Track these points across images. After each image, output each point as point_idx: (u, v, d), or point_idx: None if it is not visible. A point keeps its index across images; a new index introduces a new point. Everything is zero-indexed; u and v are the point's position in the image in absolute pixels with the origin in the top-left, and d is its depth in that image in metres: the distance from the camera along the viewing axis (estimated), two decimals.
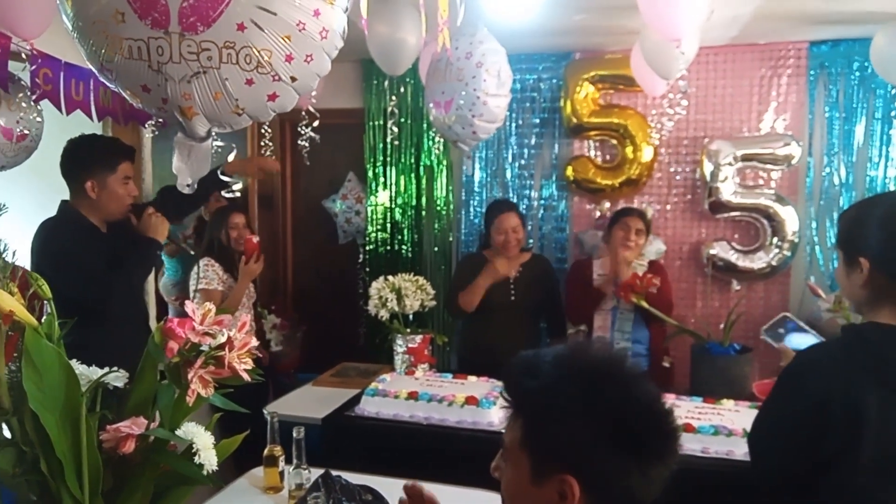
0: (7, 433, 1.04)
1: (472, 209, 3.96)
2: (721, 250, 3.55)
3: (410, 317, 3.04)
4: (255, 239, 3.09)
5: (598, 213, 3.77)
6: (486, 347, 2.96)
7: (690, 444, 2.10)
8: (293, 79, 1.25)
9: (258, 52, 1.20)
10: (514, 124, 3.80)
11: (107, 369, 1.09)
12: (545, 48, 3.64)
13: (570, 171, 3.72)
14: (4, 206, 1.06)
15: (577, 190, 3.76)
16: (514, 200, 3.72)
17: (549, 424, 0.91)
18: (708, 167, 3.46)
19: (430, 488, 1.30)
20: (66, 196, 2.48)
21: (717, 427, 2.14)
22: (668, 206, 3.70)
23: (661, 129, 3.58)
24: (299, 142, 3.49)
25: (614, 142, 3.68)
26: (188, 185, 1.40)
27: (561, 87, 3.68)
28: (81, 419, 1.01)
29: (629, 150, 3.60)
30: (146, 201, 2.85)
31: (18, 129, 2.35)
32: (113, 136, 2.78)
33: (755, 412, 1.51)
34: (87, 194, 2.41)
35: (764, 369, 2.78)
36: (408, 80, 3.78)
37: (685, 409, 2.30)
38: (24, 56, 2.26)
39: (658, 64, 2.61)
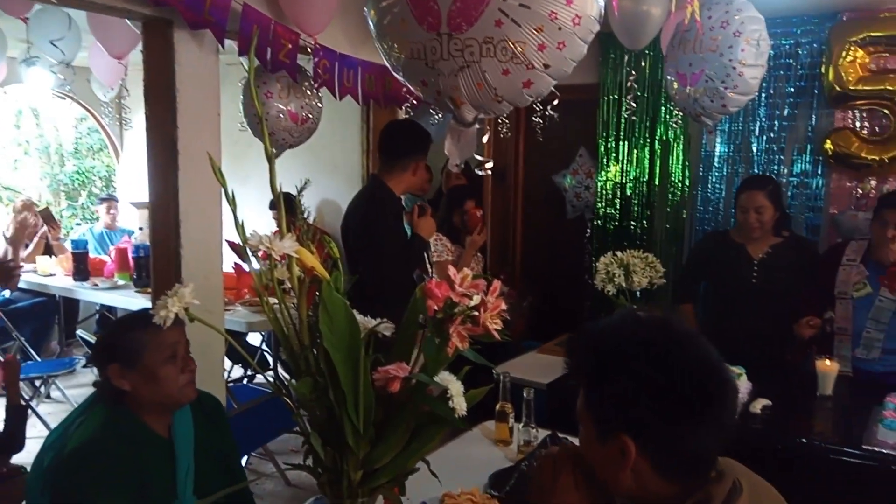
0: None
1: (710, 185, 3.76)
2: None
3: (637, 293, 3.01)
4: (479, 213, 3.36)
5: (859, 192, 3.36)
6: (725, 333, 2.81)
7: None
8: (546, 66, 1.33)
9: (513, 44, 1.30)
10: (764, 94, 3.51)
11: (379, 320, 1.28)
12: (806, 9, 3.31)
13: (829, 145, 3.36)
14: (308, 180, 1.29)
15: (835, 165, 3.39)
16: None
17: (600, 388, 0.98)
18: None
19: None
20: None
21: None
22: None
23: None
24: (533, 118, 3.58)
25: (886, 111, 3.24)
26: (457, 165, 1.56)
27: (823, 51, 3.33)
28: (360, 359, 1.21)
29: None
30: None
31: (303, 113, 2.76)
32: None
33: None
34: (407, 173, 2.54)
35: None
36: (647, 52, 3.68)
37: None
38: (308, 50, 2.64)
39: None
